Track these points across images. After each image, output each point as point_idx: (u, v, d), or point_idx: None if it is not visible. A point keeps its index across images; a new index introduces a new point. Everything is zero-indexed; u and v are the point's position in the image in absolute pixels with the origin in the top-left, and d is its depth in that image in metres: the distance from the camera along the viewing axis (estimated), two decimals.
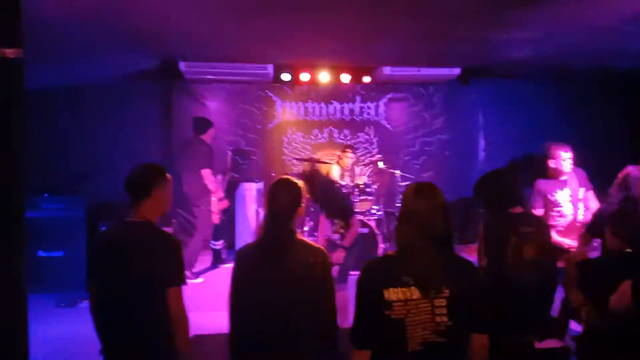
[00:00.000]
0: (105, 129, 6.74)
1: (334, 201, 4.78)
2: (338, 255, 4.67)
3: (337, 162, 6.80)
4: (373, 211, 6.43)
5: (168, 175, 2.49)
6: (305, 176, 4.57)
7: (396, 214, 6.74)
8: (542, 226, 2.98)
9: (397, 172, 6.77)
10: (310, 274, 2.24)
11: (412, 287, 1.87)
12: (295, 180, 2.41)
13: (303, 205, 2.38)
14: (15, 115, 2.06)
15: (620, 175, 4.05)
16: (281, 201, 2.29)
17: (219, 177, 6.18)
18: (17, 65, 1.99)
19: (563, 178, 4.48)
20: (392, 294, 1.86)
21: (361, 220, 5.98)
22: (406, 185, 6.64)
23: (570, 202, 4.48)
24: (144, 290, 2.26)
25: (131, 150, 6.53)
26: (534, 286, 2.78)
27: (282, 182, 2.39)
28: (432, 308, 1.86)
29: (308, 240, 2.42)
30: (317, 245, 2.40)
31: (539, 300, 2.85)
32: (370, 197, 6.23)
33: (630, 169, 3.90)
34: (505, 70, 6.74)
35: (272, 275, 2.23)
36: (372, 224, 6.13)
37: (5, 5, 1.94)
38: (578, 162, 4.64)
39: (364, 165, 7.52)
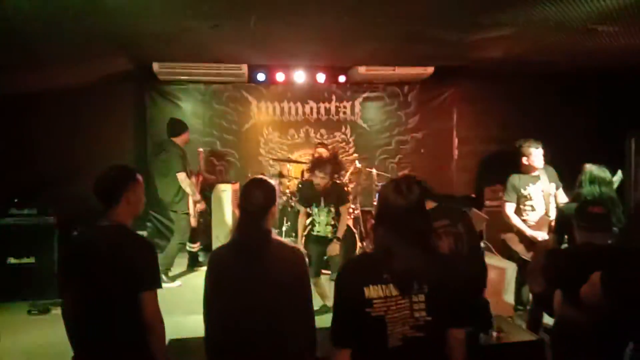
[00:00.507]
0: (78, 132, 6.61)
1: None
2: (334, 247, 4.80)
3: None
4: (350, 210, 6.46)
5: (139, 176, 2.44)
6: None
7: (373, 212, 6.79)
8: (458, 218, 2.97)
9: (374, 170, 6.82)
10: (287, 274, 2.24)
11: (391, 284, 1.88)
12: (269, 179, 2.42)
13: (277, 204, 2.39)
14: None
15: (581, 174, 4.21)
16: (254, 201, 2.28)
17: (194, 179, 6.11)
18: None
19: (535, 174, 4.61)
20: (372, 291, 1.87)
21: None
22: (382, 184, 6.70)
23: (541, 196, 4.61)
24: (118, 294, 2.22)
25: (105, 154, 6.41)
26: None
27: (255, 181, 2.39)
28: (410, 304, 1.88)
29: (283, 239, 2.42)
30: (293, 244, 2.41)
31: (467, 292, 2.86)
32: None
33: (588, 167, 4.06)
34: (479, 69, 6.84)
35: (247, 276, 2.22)
36: (350, 222, 6.15)
37: None
38: (550, 160, 4.77)
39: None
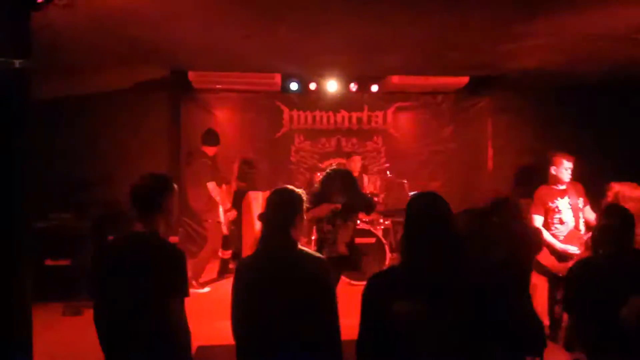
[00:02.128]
0: (114, 138, 6.77)
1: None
2: None
3: None
4: (381, 220, 6.40)
5: (175, 185, 2.47)
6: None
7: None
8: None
9: (405, 181, 6.74)
10: (311, 285, 2.22)
11: (421, 299, 1.82)
12: (295, 189, 2.39)
13: (304, 213, 2.36)
14: (21, 123, 2.09)
15: (610, 194, 4.05)
16: (278, 210, 2.28)
17: (224, 187, 6.15)
18: (24, 74, 2.02)
19: (562, 187, 4.51)
20: (402, 306, 1.81)
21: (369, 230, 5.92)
22: (414, 194, 6.61)
23: (570, 209, 4.49)
24: (147, 301, 2.24)
25: (139, 160, 6.55)
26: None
27: (280, 191, 2.38)
28: (441, 320, 1.81)
29: (309, 250, 2.38)
30: (318, 255, 2.37)
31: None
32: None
33: (617, 187, 3.93)
34: (514, 79, 6.71)
35: (271, 286, 2.21)
36: (380, 233, 6.10)
37: (16, 17, 1.98)
38: (580, 174, 4.65)
39: (372, 174, 7.49)
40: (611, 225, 2.64)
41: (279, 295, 2.20)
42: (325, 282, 2.26)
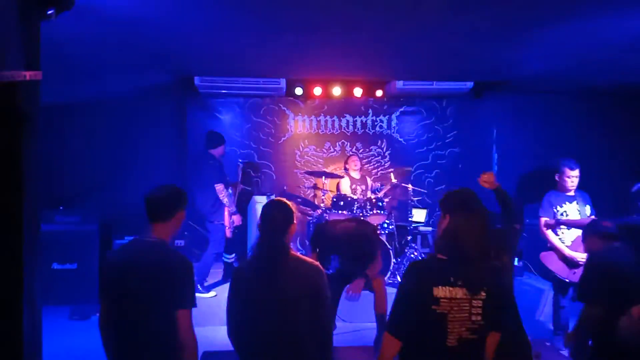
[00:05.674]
0: (120, 142, 6.83)
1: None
2: (357, 284, 3.97)
3: (347, 174, 6.82)
4: (385, 225, 6.41)
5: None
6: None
7: (409, 227, 6.72)
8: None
9: (409, 185, 6.75)
10: (303, 288, 2.32)
11: (458, 287, 2.04)
12: (286, 201, 2.57)
13: (295, 223, 2.50)
14: (31, 131, 2.12)
15: None
16: (273, 219, 2.42)
17: (231, 190, 6.20)
18: (34, 86, 2.06)
19: (571, 193, 4.55)
20: (441, 291, 2.03)
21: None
22: (418, 199, 6.63)
23: (578, 215, 4.51)
24: (153, 310, 2.27)
25: (145, 164, 6.60)
26: None
27: (274, 202, 2.55)
28: (470, 307, 2.04)
29: (302, 255, 2.51)
30: (311, 260, 2.49)
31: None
32: (382, 211, 6.21)
33: None
34: (519, 84, 6.71)
35: (264, 289, 2.32)
36: (384, 238, 6.10)
37: (25, 29, 2.02)
38: (590, 178, 4.66)
39: (376, 178, 7.50)
40: None
41: (271, 297, 2.31)
42: (318, 285, 2.37)
